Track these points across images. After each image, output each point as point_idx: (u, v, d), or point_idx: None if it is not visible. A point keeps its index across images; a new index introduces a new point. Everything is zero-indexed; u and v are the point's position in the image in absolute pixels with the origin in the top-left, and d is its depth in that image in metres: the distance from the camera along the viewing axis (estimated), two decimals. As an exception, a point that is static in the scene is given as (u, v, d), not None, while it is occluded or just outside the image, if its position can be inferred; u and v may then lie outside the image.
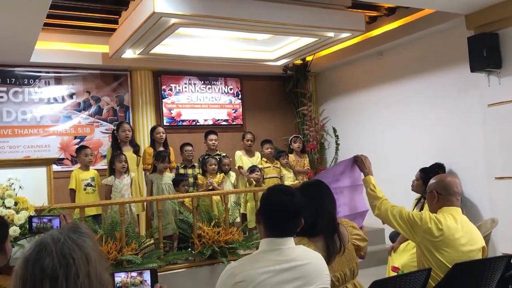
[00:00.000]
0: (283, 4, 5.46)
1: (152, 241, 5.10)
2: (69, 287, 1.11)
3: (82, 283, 1.13)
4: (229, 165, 6.29)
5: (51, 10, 4.95)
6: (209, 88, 7.90)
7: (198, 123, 7.74)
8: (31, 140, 6.64)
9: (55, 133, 6.81)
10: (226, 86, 8.04)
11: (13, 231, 3.83)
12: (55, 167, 5.80)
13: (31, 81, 6.72)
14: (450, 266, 2.55)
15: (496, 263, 2.63)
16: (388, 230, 5.78)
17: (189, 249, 5.15)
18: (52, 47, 6.56)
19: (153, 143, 6.00)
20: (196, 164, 6.25)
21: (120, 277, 1.67)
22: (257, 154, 6.61)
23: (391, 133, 6.92)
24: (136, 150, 5.90)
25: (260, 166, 6.38)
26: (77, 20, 6.33)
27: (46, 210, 4.19)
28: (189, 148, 6.17)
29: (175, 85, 7.61)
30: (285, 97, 8.46)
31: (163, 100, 7.50)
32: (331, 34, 6.10)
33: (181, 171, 6.02)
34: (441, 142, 6.12)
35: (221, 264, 5.01)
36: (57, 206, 4.39)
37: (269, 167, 6.47)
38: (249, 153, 6.57)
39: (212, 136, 6.37)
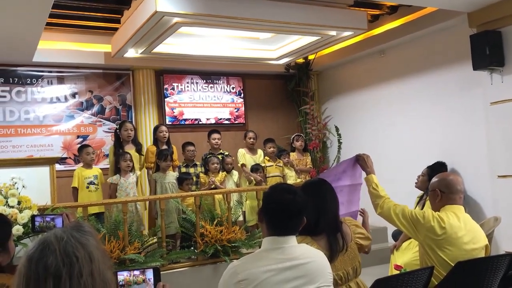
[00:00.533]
0: (285, 3, 5.45)
1: (155, 240, 5.11)
2: (73, 286, 1.12)
3: (86, 282, 1.13)
4: (232, 164, 6.30)
5: (53, 10, 4.96)
6: (211, 87, 7.90)
7: (200, 122, 7.75)
8: (34, 140, 6.66)
9: (58, 133, 6.83)
10: (228, 85, 8.04)
11: (17, 230, 3.84)
12: (58, 166, 5.82)
13: (34, 81, 6.73)
14: (453, 265, 2.55)
15: (499, 261, 2.63)
16: (391, 229, 5.77)
17: (192, 248, 5.16)
18: (55, 47, 6.57)
19: (156, 142, 6.01)
20: (198, 163, 6.25)
21: (122, 276, 1.67)
22: (260, 152, 6.63)
23: (393, 131, 6.91)
24: (139, 149, 5.91)
25: (262, 164, 6.39)
26: (80, 19, 6.34)
27: (49, 209, 4.20)
28: (191, 148, 6.17)
29: (177, 84, 7.62)
30: (287, 96, 8.46)
31: (166, 99, 7.51)
32: (333, 32, 6.09)
33: (183, 170, 6.03)
34: (444, 140, 6.11)
35: (224, 262, 5.01)
36: (60, 205, 4.40)
37: (272, 166, 6.48)
38: (252, 151, 6.58)
39: (215, 135, 6.38)
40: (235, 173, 6.31)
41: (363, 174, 3.16)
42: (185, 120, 7.64)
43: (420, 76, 6.50)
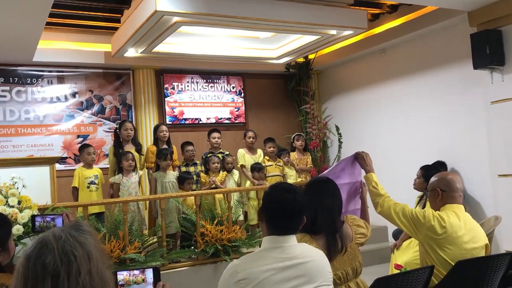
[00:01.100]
0: (286, 2, 5.45)
1: (155, 240, 5.11)
2: (71, 284, 1.12)
3: (84, 280, 1.13)
4: (232, 163, 6.30)
5: (53, 9, 4.96)
6: (211, 86, 7.90)
7: (200, 122, 7.74)
8: (34, 139, 6.66)
9: (58, 132, 6.83)
10: (229, 85, 8.04)
11: (17, 229, 3.84)
12: (58, 166, 5.82)
13: (34, 80, 6.73)
14: (453, 264, 2.55)
15: (499, 260, 2.63)
16: (391, 228, 5.76)
17: (192, 248, 5.16)
18: (55, 46, 6.58)
19: (156, 141, 6.01)
20: (198, 162, 6.24)
21: (122, 275, 1.67)
22: (259, 152, 6.62)
23: (393, 130, 6.91)
24: (138, 148, 5.90)
25: (262, 164, 6.38)
26: (80, 19, 6.34)
27: (50, 208, 4.20)
28: (190, 147, 6.16)
29: (177, 83, 7.62)
30: (287, 95, 8.45)
31: (166, 99, 7.51)
32: (333, 31, 6.09)
33: (183, 169, 6.02)
34: (444, 139, 6.11)
35: (224, 262, 5.01)
36: (60, 205, 4.40)
37: (272, 165, 6.48)
38: (252, 150, 6.57)
39: (215, 134, 6.37)
40: (235, 173, 6.30)
41: (362, 172, 3.14)
42: (185, 119, 7.64)
43: (420, 75, 6.49)
